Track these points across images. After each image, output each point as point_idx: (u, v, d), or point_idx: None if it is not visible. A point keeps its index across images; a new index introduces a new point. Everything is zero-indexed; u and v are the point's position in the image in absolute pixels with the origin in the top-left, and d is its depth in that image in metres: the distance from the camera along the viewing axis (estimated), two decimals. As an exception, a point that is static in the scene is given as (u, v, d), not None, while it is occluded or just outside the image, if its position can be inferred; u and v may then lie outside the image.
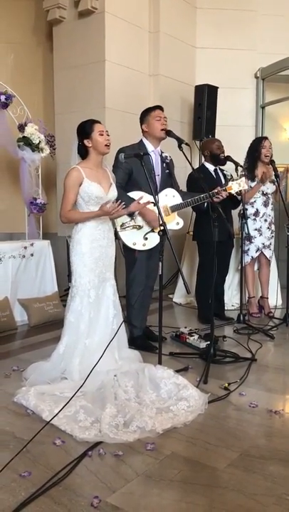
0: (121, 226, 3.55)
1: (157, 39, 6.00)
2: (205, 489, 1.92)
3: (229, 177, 4.46)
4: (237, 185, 4.00)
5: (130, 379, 2.84)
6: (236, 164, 4.17)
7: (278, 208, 4.88)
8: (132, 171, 3.61)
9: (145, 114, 3.75)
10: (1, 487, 1.92)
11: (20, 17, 5.85)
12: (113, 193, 3.15)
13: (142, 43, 5.95)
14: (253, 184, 4.64)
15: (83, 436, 2.32)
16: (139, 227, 3.58)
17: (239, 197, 4.46)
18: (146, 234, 3.59)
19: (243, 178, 4.04)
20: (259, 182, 4.59)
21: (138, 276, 3.73)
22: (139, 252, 3.65)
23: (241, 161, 4.54)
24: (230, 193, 4.07)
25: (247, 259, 4.77)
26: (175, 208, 3.77)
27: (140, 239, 3.61)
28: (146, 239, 3.60)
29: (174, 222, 3.80)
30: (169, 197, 3.77)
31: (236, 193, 4.33)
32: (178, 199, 3.79)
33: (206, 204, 4.08)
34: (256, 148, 4.67)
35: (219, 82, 6.15)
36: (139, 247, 3.62)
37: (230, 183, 4.03)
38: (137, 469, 2.07)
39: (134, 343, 3.60)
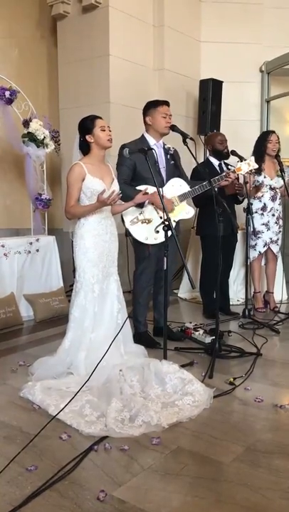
0: (130, 222, 3.55)
1: (162, 33, 5.96)
2: (211, 483, 1.93)
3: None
4: (246, 166, 3.92)
5: (136, 374, 2.85)
6: (241, 158, 4.16)
7: (283, 202, 4.86)
8: (136, 166, 3.59)
9: (150, 107, 3.68)
10: (8, 481, 1.94)
11: (25, 12, 5.83)
12: (116, 187, 3.15)
13: (147, 37, 5.92)
14: (259, 178, 4.63)
15: (89, 431, 2.33)
16: (149, 221, 3.56)
17: (241, 198, 4.45)
18: (157, 227, 3.53)
19: (252, 158, 4.00)
20: (255, 187, 4.56)
21: (146, 272, 3.72)
22: (152, 246, 3.61)
23: (246, 155, 4.51)
24: (232, 193, 4.05)
25: (254, 254, 4.76)
26: (183, 197, 3.74)
27: (152, 233, 3.56)
28: (157, 232, 3.54)
29: (184, 212, 3.76)
30: (176, 187, 3.72)
31: (237, 193, 4.32)
32: (185, 188, 3.73)
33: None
34: (263, 143, 4.65)
35: (224, 76, 6.12)
36: (151, 241, 3.58)
37: (239, 164, 3.97)
38: (143, 463, 2.08)
39: (138, 339, 3.59)
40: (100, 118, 3.12)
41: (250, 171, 4.06)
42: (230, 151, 4.40)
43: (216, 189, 3.79)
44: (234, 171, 3.94)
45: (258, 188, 4.54)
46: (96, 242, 3.10)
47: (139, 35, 5.79)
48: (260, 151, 4.64)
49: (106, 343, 2.87)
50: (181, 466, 2.06)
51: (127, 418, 2.43)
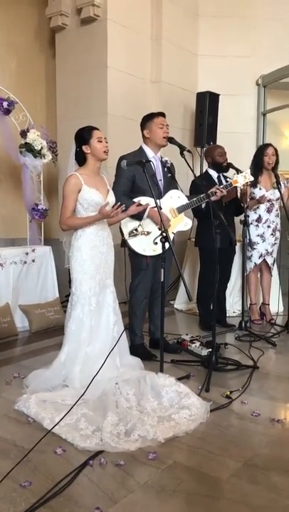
0: (129, 234, 3.54)
1: (159, 46, 6.01)
2: (208, 500, 1.90)
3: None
4: (242, 178, 4.00)
5: (132, 387, 2.83)
6: (238, 171, 4.17)
7: (279, 215, 4.87)
8: (135, 178, 3.60)
9: (147, 120, 3.71)
10: (2, 497, 1.90)
11: (23, 24, 5.87)
12: (111, 198, 3.14)
13: (144, 49, 5.96)
14: (254, 190, 4.64)
15: (84, 445, 2.30)
16: (147, 233, 3.56)
17: (244, 205, 4.45)
18: (156, 239, 3.52)
19: (248, 170, 4.04)
20: (257, 199, 4.58)
21: (143, 284, 3.71)
22: (150, 258, 3.61)
23: (242, 167, 4.53)
24: (235, 198, 4.05)
25: (250, 265, 4.76)
26: (181, 209, 3.75)
27: (150, 244, 3.57)
28: (156, 243, 3.54)
29: (182, 224, 3.78)
30: (174, 198, 3.74)
31: (239, 200, 4.33)
32: (183, 200, 3.76)
33: (204, 205, 4.03)
34: (259, 156, 4.67)
35: (221, 89, 6.16)
36: (149, 252, 3.59)
37: (235, 177, 4.03)
38: (139, 479, 2.05)
39: (135, 351, 3.57)
40: (97, 129, 3.12)
41: (246, 183, 4.09)
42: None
43: (203, 205, 3.82)
44: (226, 186, 4.00)
45: (259, 201, 4.55)
46: (93, 254, 3.08)
47: (137, 47, 5.83)
48: (257, 164, 4.67)
49: (102, 357, 2.84)
50: (177, 482, 2.03)
51: (123, 432, 2.40)
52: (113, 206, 2.95)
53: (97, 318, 3.09)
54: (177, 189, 3.78)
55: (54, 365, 3.03)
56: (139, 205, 3.33)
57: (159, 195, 3.54)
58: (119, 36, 5.55)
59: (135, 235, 3.55)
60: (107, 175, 3.30)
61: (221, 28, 6.46)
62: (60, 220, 3.07)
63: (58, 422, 2.44)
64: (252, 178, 4.07)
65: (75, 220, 3.05)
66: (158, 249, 3.49)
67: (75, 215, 3.08)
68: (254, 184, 4.61)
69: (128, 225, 3.55)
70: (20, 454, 2.20)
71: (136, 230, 3.55)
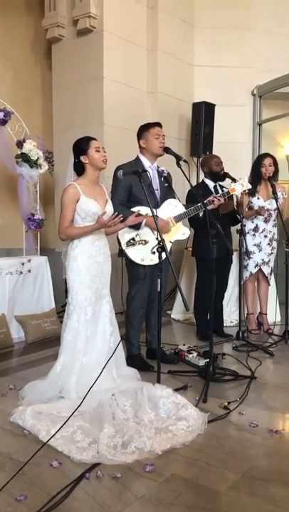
0: (127, 244, 3.53)
1: (155, 57, 6.05)
2: (206, 513, 1.88)
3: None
4: (240, 186, 4.01)
5: (128, 398, 2.80)
6: (234, 181, 4.18)
7: (277, 224, 4.87)
8: (132, 187, 3.60)
9: (143, 130, 3.73)
10: (-4, 511, 1.87)
11: (20, 35, 5.91)
12: (110, 208, 3.14)
13: (140, 60, 6.00)
14: (253, 200, 4.65)
15: (81, 458, 2.27)
16: (145, 243, 3.56)
17: (240, 217, 4.45)
18: (154, 248, 3.52)
19: (246, 178, 4.05)
20: (256, 210, 4.59)
21: (140, 294, 3.69)
22: (148, 267, 3.61)
23: (239, 177, 4.54)
24: (232, 210, 4.06)
25: (246, 274, 4.76)
26: (178, 218, 3.75)
27: (148, 254, 3.55)
28: (153, 253, 3.53)
29: (180, 233, 3.78)
30: (171, 207, 3.74)
31: (236, 211, 4.34)
32: (180, 208, 3.76)
33: (201, 214, 4.04)
34: (258, 166, 4.69)
35: (217, 99, 6.21)
36: (147, 262, 3.58)
37: (232, 185, 4.04)
38: (136, 492, 2.02)
39: (131, 361, 3.54)
40: (95, 139, 3.13)
41: (244, 191, 4.10)
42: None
43: (200, 214, 3.82)
44: (223, 195, 4.01)
45: (258, 212, 4.56)
46: (89, 263, 3.07)
47: (133, 58, 5.87)
48: (255, 173, 4.69)
49: (98, 367, 2.82)
50: (175, 495, 2.00)
51: (120, 444, 2.37)
52: (111, 216, 2.95)
53: (93, 328, 3.07)
54: (174, 198, 3.79)
55: (50, 376, 3.00)
56: (139, 215, 3.33)
57: (155, 205, 3.55)
58: (116, 47, 5.59)
59: (133, 244, 3.55)
60: (105, 184, 3.31)
61: (216, 39, 6.52)
62: (59, 230, 3.07)
63: (54, 435, 2.41)
64: (249, 186, 4.08)
65: (73, 230, 3.04)
66: (155, 259, 3.47)
67: (72, 224, 3.07)
68: (252, 193, 4.63)
69: (125, 234, 3.55)
70: (15, 467, 2.17)
71: (133, 239, 3.55)
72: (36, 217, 4.94)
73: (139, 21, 5.94)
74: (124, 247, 3.55)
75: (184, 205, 3.83)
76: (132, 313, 3.73)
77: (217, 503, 1.95)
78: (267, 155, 4.75)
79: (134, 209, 3.51)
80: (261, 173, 4.65)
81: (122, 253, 3.63)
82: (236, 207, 4.48)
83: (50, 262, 4.84)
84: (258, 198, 4.68)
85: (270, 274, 4.86)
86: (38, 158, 4.82)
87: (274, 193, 4.58)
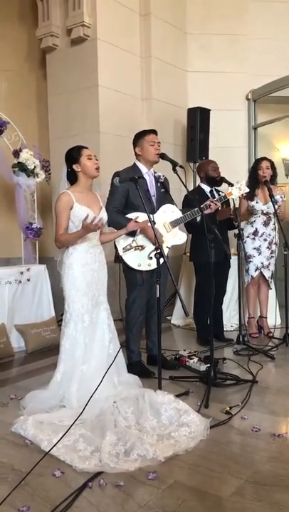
0: (123, 249, 3.54)
1: (149, 64, 6.07)
2: (210, 520, 1.87)
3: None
4: (237, 190, 4.02)
5: (130, 405, 2.79)
6: (231, 185, 4.19)
7: (276, 228, 4.87)
8: (129, 193, 3.61)
9: (139, 138, 3.75)
10: (-1, 523, 1.86)
11: (14, 45, 5.94)
12: (104, 216, 3.14)
13: (134, 67, 6.02)
14: (251, 203, 4.67)
15: (83, 467, 2.26)
16: (142, 248, 3.56)
17: (236, 223, 4.45)
18: (151, 253, 3.52)
19: (243, 182, 4.06)
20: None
21: (139, 300, 3.69)
22: (146, 273, 3.61)
23: (235, 181, 4.56)
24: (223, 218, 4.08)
25: (248, 278, 4.77)
26: (175, 223, 3.76)
27: (145, 259, 3.57)
28: (150, 258, 3.54)
29: (177, 238, 3.78)
30: (168, 213, 3.75)
31: (232, 218, 4.34)
32: (177, 214, 3.77)
33: (198, 219, 4.04)
34: (255, 169, 4.71)
35: (211, 104, 6.23)
36: (144, 267, 3.58)
37: (230, 189, 4.04)
38: (139, 500, 2.01)
39: (132, 368, 3.53)
40: (86, 148, 3.16)
41: (242, 195, 4.11)
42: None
43: (198, 219, 3.82)
44: (220, 199, 4.02)
45: (250, 212, 4.58)
46: (84, 271, 3.08)
47: (127, 66, 5.90)
48: (253, 177, 4.71)
49: (98, 375, 2.82)
50: (178, 502, 1.99)
51: (122, 452, 2.37)
52: (92, 221, 2.89)
53: (91, 336, 3.07)
54: (172, 203, 3.79)
55: (51, 384, 3.00)
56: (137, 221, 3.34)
57: (152, 211, 3.56)
58: (110, 55, 5.61)
59: (129, 250, 3.55)
60: (100, 192, 3.31)
61: (209, 45, 6.56)
62: (55, 238, 3.09)
63: (56, 444, 2.40)
64: (247, 190, 4.09)
65: (66, 237, 3.06)
66: (153, 264, 3.49)
67: (67, 232, 3.08)
68: (251, 197, 4.64)
69: (121, 240, 3.55)
70: (17, 478, 2.16)
71: (130, 245, 3.55)
72: (34, 226, 4.94)
73: (133, 29, 5.97)
74: (121, 252, 3.56)
75: (180, 210, 3.84)
76: (131, 320, 3.72)
77: (221, 509, 1.94)
78: (264, 158, 4.76)
79: (132, 215, 3.52)
80: (259, 176, 4.66)
81: (118, 259, 3.63)
82: (232, 213, 4.45)
83: (49, 271, 4.84)
84: (257, 202, 4.69)
85: (271, 278, 4.85)
86: (34, 167, 4.84)
87: (271, 196, 4.59)
